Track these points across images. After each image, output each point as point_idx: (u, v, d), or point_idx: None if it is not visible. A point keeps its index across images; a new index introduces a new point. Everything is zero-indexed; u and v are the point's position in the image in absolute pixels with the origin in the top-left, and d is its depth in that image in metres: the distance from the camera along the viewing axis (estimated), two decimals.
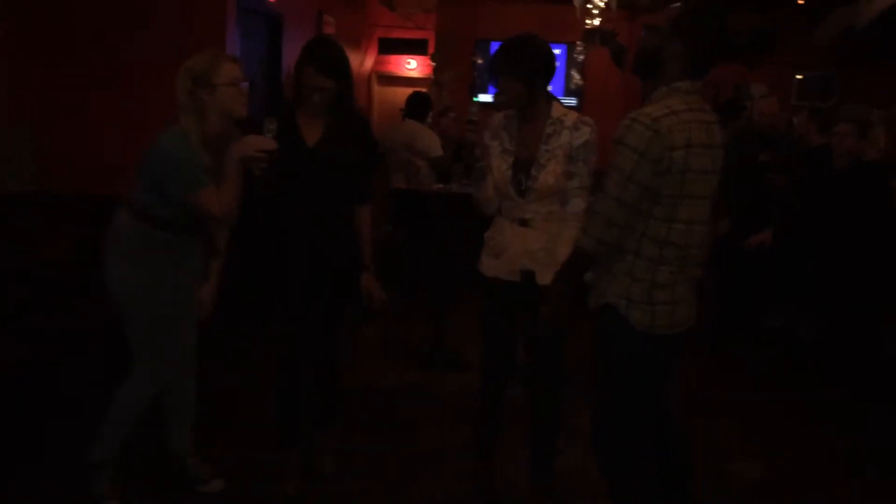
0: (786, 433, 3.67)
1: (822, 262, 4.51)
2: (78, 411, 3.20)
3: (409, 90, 6.35)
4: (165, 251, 2.54)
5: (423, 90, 6.60)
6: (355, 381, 4.01)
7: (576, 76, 9.04)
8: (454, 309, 4.72)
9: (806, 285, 4.70)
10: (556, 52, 8.72)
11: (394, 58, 9.14)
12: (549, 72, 2.58)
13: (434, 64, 8.74)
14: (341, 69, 2.62)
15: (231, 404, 3.58)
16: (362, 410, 3.61)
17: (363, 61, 8.74)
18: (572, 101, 8.92)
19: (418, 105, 5.72)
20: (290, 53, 5.97)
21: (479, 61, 8.76)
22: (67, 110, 4.28)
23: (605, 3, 7.11)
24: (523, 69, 2.51)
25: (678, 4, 2.12)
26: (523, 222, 2.58)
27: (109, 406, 2.58)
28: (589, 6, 7.21)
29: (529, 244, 2.57)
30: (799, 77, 8.49)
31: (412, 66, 9.13)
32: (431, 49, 8.87)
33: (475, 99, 8.75)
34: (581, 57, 8.82)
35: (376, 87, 9.06)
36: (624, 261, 2.09)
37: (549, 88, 2.64)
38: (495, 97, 2.64)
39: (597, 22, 7.92)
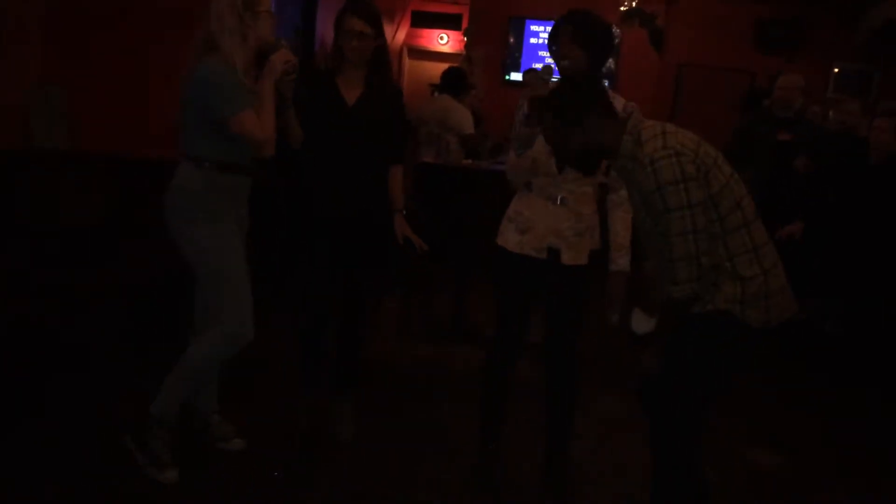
0: (805, 426, 3.65)
1: (852, 256, 4.45)
2: (101, 366, 3.26)
3: (441, 65, 6.32)
4: (229, 198, 2.52)
5: (456, 66, 6.56)
6: (373, 353, 4.04)
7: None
8: (477, 285, 4.73)
9: (833, 279, 4.64)
10: None
11: (426, 32, 9.11)
12: (606, 50, 2.58)
13: (466, 39, 8.68)
14: (379, 20, 2.75)
15: (254, 364, 3.63)
16: (378, 383, 3.64)
17: (395, 34, 8.70)
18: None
19: (454, 80, 5.68)
20: (325, 23, 5.97)
21: (513, 39, 8.68)
22: (102, 70, 4.31)
23: None
24: (590, 40, 2.50)
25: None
26: (554, 199, 2.57)
27: (178, 363, 2.53)
28: None
29: (559, 222, 2.56)
30: (836, 70, 8.34)
31: (444, 40, 9.10)
32: (465, 24, 8.81)
33: (507, 77, 8.69)
34: (616, 40, 8.71)
35: (407, 61, 9.04)
36: (723, 270, 2.06)
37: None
38: (559, 64, 2.57)
39: (634, 3, 7.83)
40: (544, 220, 2.59)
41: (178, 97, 2.51)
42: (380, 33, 2.75)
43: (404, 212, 2.91)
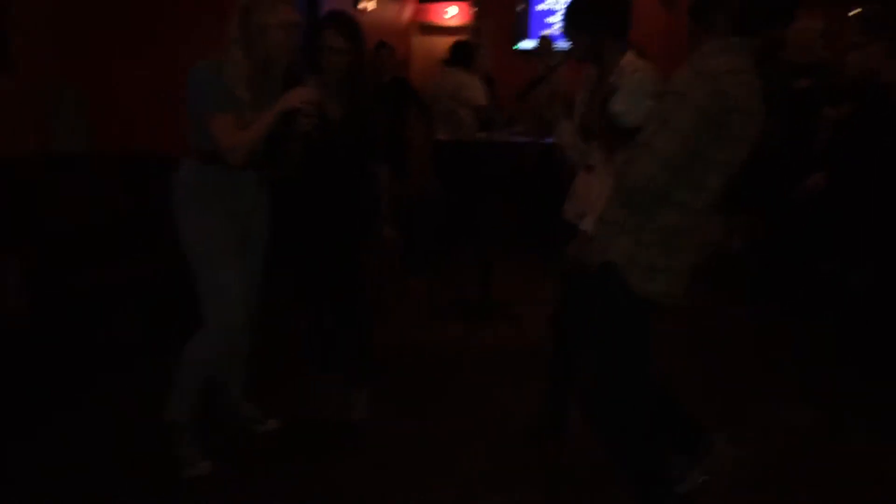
0: (835, 383, 3.63)
1: (877, 207, 4.36)
2: (127, 362, 3.38)
3: (450, 39, 6.26)
4: (226, 191, 2.51)
5: (463, 39, 6.51)
6: (400, 334, 4.08)
7: None
8: (504, 261, 4.72)
9: (859, 231, 4.56)
10: None
11: (434, 6, 9.00)
12: (615, 22, 2.52)
13: (475, 10, 8.59)
14: (358, 34, 2.76)
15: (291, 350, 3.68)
16: (410, 365, 3.70)
17: (402, 11, 8.63)
18: None
19: (463, 53, 5.64)
20: (330, 6, 5.93)
21: (521, 7, 8.57)
22: (118, 70, 4.33)
23: None
24: (587, 22, 2.50)
25: None
26: (588, 168, 2.62)
27: (179, 365, 2.55)
28: None
29: (590, 190, 2.59)
30: (855, 13, 8.11)
31: (452, 13, 8.99)
32: None
33: (516, 46, 8.59)
34: None
35: (417, 37, 8.97)
36: (635, 221, 2.03)
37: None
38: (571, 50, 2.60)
39: None
40: (580, 187, 2.68)
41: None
42: (359, 48, 2.75)
43: (391, 219, 3.04)
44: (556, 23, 8.48)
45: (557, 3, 8.46)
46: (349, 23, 2.75)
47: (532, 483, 2.67)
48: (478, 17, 8.47)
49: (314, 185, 2.85)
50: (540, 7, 8.51)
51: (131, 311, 3.56)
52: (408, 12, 8.77)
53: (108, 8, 4.22)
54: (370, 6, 7.27)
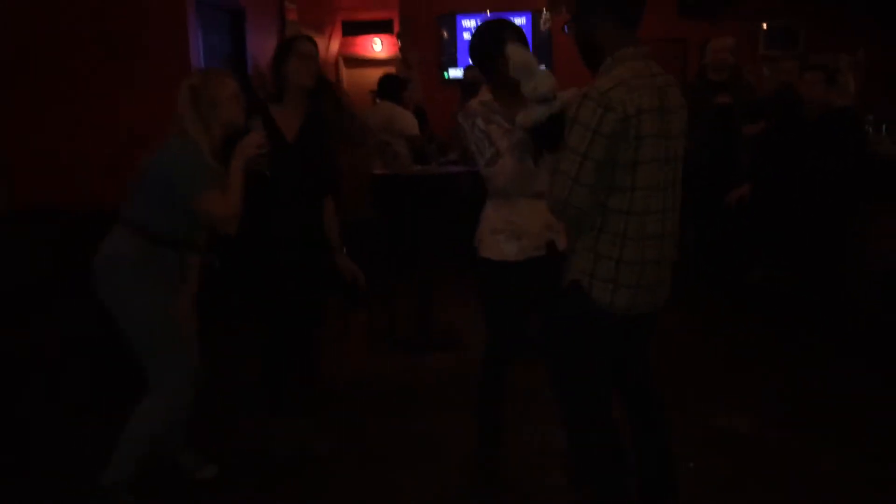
0: (772, 387, 3.72)
1: (797, 214, 4.54)
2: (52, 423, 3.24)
3: (378, 72, 6.31)
4: (161, 272, 2.54)
5: (393, 70, 6.55)
6: (346, 368, 4.03)
7: None
8: (441, 290, 4.73)
9: (783, 238, 4.74)
10: (521, 20, 8.72)
11: (359, 39, 9.05)
12: None
13: (400, 43, 8.66)
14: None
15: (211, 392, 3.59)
16: (354, 397, 3.65)
17: (328, 46, 8.65)
18: None
19: (391, 86, 5.69)
20: (254, 45, 5.90)
21: (446, 35, 8.69)
22: (33, 125, 4.20)
23: None
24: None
25: None
26: (538, 195, 2.49)
27: (127, 432, 2.53)
28: None
29: (547, 215, 2.46)
30: (765, 27, 8.49)
31: (379, 47, 9.06)
32: (397, 28, 8.79)
33: (445, 75, 8.69)
34: (547, 25, 8.77)
35: (344, 71, 8.98)
36: (588, 237, 2.12)
37: None
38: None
39: None
40: (536, 218, 2.57)
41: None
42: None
43: (343, 249, 3.13)
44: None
45: None
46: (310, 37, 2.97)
47: None
48: (404, 49, 8.54)
49: (273, 209, 2.92)
50: (466, 35, 8.64)
51: (71, 371, 3.42)
52: (334, 46, 8.79)
53: (18, 63, 4.11)
54: None
